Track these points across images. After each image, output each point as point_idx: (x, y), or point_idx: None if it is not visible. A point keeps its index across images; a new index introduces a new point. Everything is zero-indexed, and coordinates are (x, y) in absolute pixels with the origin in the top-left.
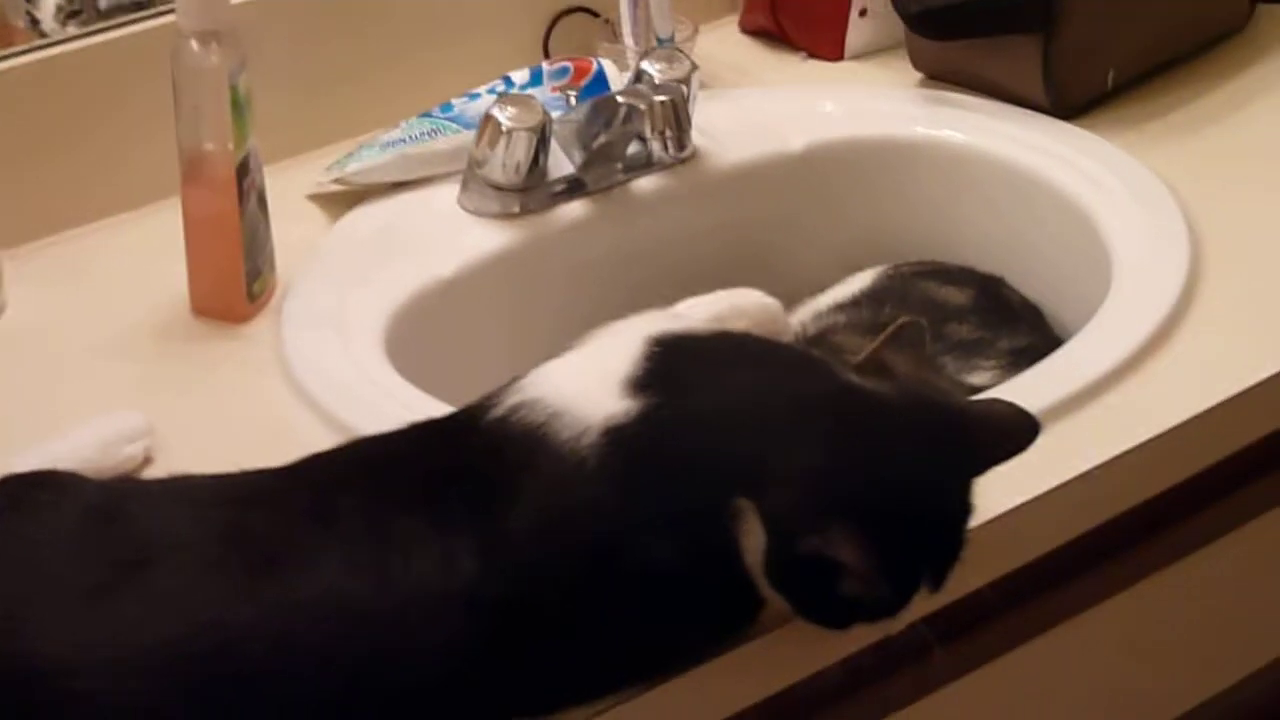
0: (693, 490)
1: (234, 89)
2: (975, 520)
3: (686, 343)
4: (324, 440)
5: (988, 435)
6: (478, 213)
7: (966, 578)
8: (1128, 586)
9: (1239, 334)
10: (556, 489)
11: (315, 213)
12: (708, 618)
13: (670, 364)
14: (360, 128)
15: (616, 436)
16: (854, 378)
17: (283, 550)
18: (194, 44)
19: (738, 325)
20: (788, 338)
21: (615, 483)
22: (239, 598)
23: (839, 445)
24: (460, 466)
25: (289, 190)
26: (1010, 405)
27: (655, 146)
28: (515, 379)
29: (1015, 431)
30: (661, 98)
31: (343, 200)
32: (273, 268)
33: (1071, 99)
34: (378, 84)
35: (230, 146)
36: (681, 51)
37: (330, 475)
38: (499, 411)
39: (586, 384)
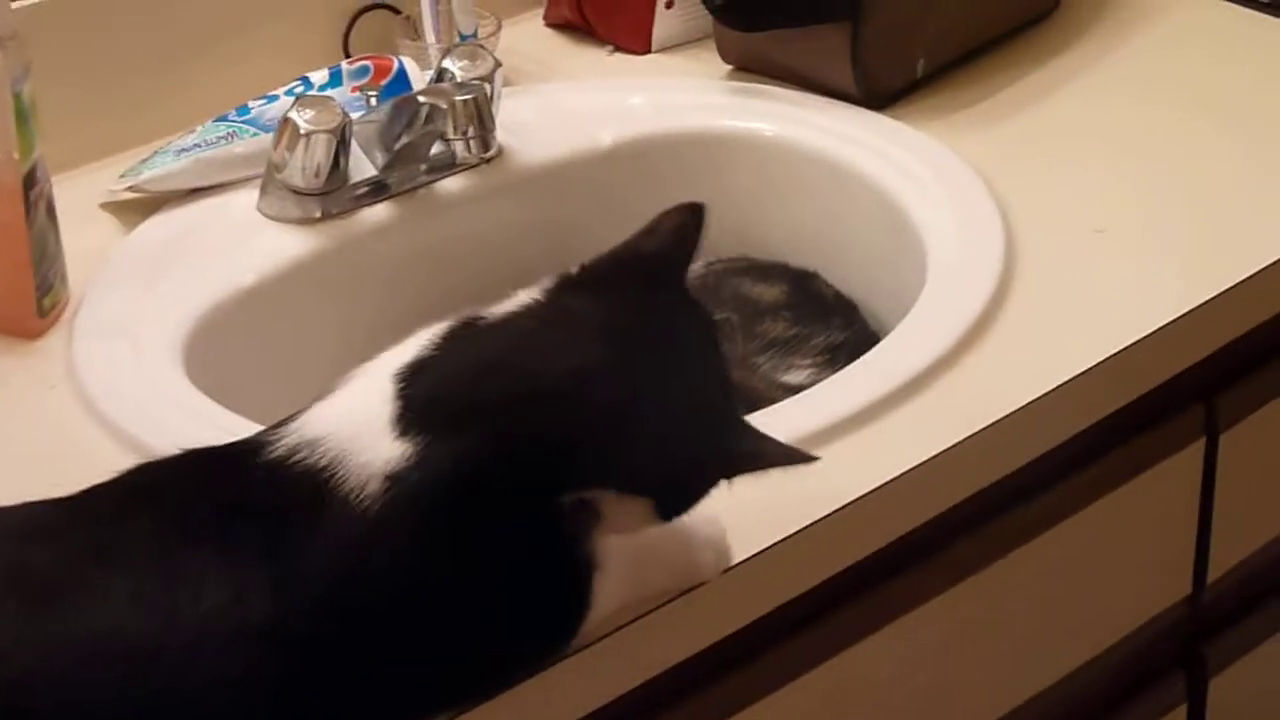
0: (498, 511)
1: (17, 97)
2: (798, 524)
3: (429, 367)
4: (118, 460)
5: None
6: (278, 218)
7: (788, 582)
8: (949, 586)
9: (1056, 325)
10: (348, 534)
11: (109, 222)
12: (527, 637)
13: (425, 395)
14: (155, 132)
15: (397, 481)
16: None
17: (63, 587)
18: None
19: None
20: None
21: (404, 525)
22: (16, 638)
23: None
24: (246, 502)
25: (81, 199)
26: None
27: (459, 147)
28: (291, 417)
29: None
30: (463, 97)
31: (138, 208)
32: (65, 280)
33: (881, 88)
34: (172, 87)
35: (15, 156)
36: (484, 48)
37: (113, 506)
38: (279, 451)
39: (357, 429)
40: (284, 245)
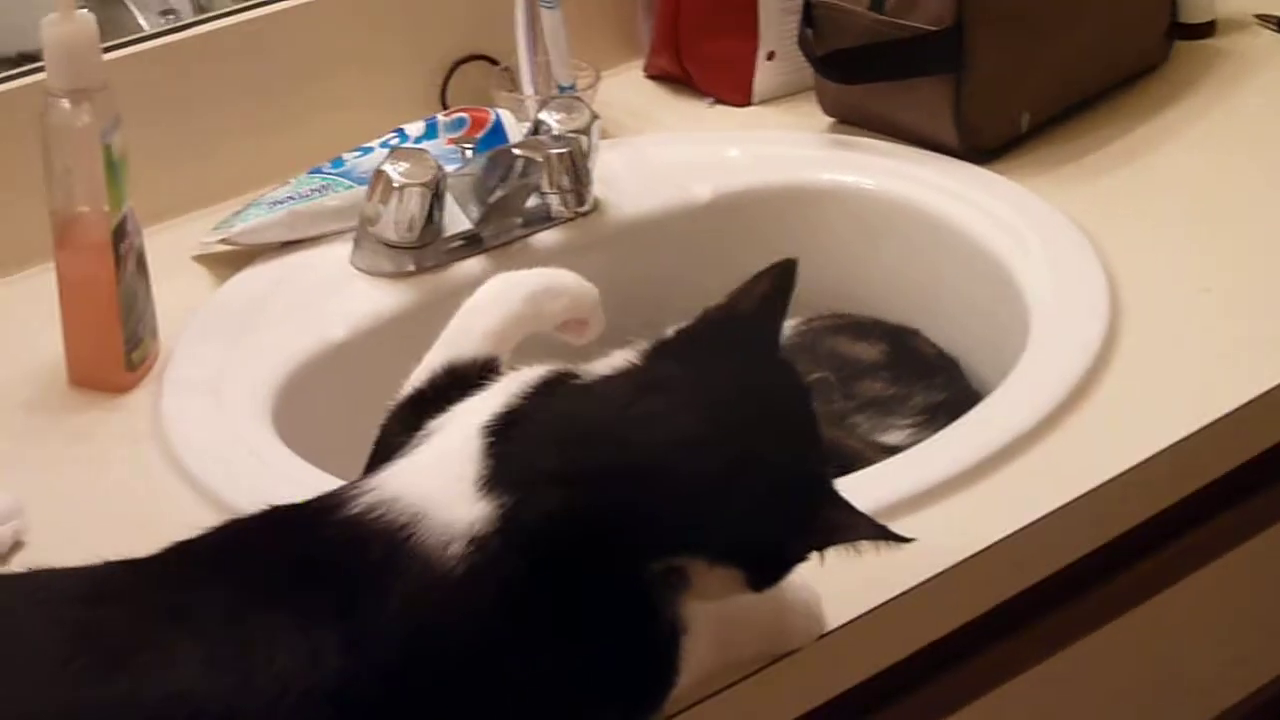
0: (585, 577)
1: (107, 149)
2: (894, 590)
3: (519, 423)
4: (203, 517)
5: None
6: (370, 272)
7: (883, 650)
8: (1051, 654)
9: (1162, 386)
10: (426, 594)
11: (201, 274)
12: (613, 705)
13: (514, 455)
14: (249, 185)
15: (481, 543)
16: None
17: (136, 648)
18: (65, 103)
19: (555, 305)
20: (599, 329)
21: (487, 587)
22: (86, 701)
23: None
24: (322, 560)
25: (173, 252)
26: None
27: (554, 201)
28: (368, 475)
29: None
30: (559, 150)
31: (230, 261)
32: (155, 334)
33: (984, 142)
34: (267, 139)
35: (105, 209)
36: (581, 100)
37: (189, 566)
38: (358, 508)
39: (440, 486)
40: (376, 299)
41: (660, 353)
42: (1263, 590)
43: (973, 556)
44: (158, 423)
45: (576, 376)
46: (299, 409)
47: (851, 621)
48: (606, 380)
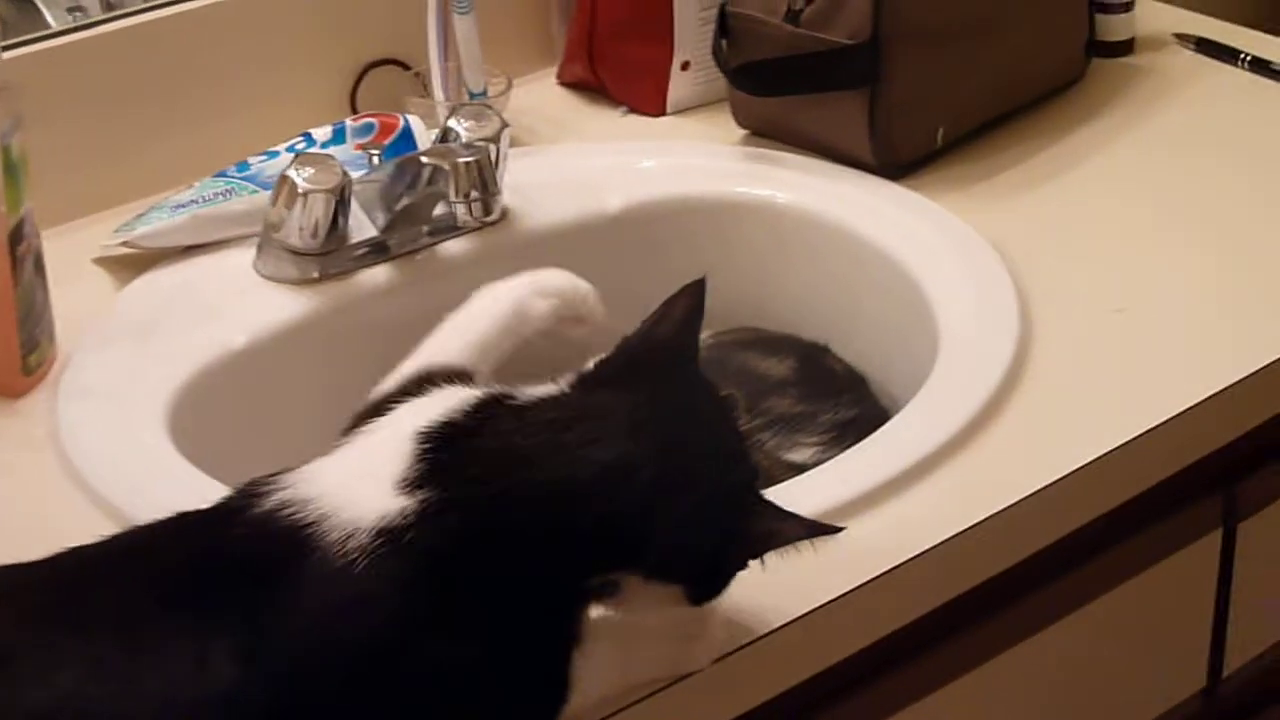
0: (489, 589)
1: (6, 149)
2: (802, 610)
3: (460, 437)
4: (97, 525)
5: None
6: (274, 278)
7: (781, 674)
8: (956, 676)
9: (1071, 407)
10: (325, 591)
11: (102, 278)
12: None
13: (444, 459)
14: (154, 187)
15: (391, 537)
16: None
17: (18, 654)
18: None
19: (542, 307)
20: (598, 319)
21: (392, 584)
22: None
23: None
24: (221, 565)
25: (75, 254)
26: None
27: (460, 210)
28: (282, 472)
29: None
30: (466, 159)
31: (132, 265)
32: (52, 338)
33: (899, 157)
34: (173, 141)
35: (2, 210)
36: (491, 108)
37: (81, 570)
38: (265, 506)
39: (359, 484)
40: (278, 306)
41: (586, 383)
42: (1163, 618)
43: (876, 578)
44: (53, 428)
45: (514, 398)
46: (198, 417)
47: (749, 644)
48: (540, 404)
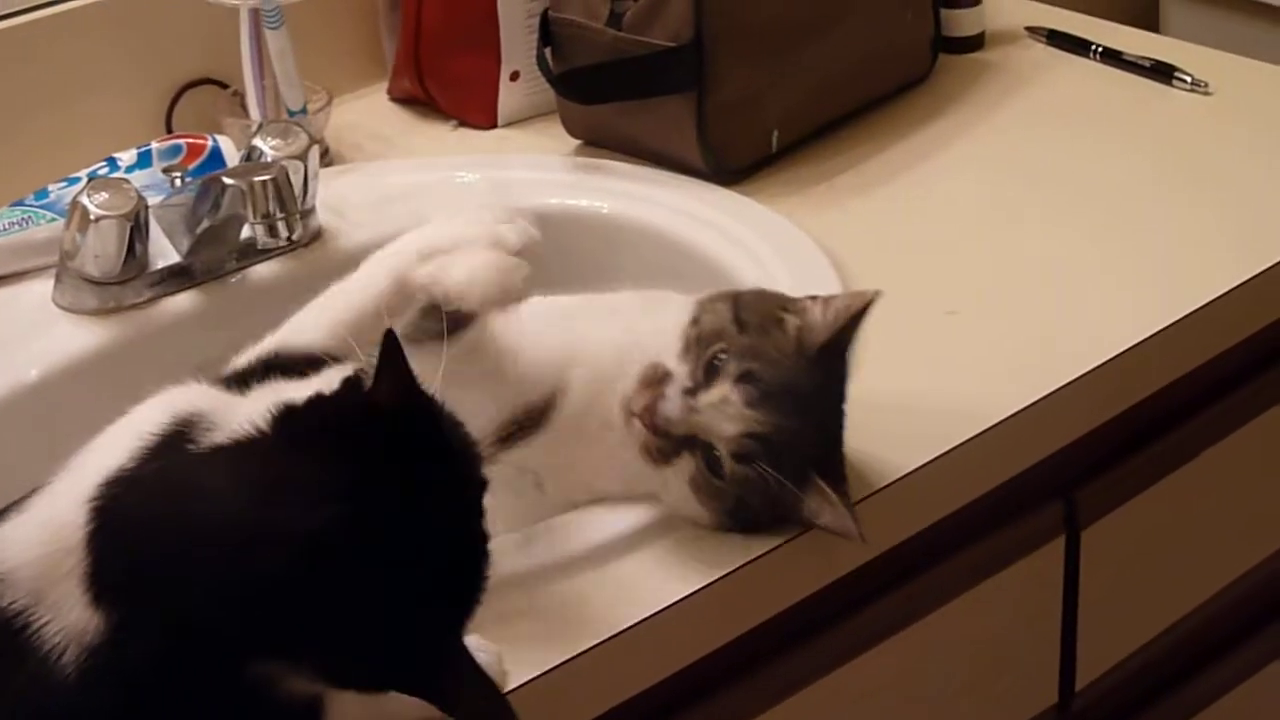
0: (196, 688)
1: None
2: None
3: (123, 494)
4: None
5: None
6: (73, 309)
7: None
8: (786, 697)
9: (901, 412)
10: (43, 700)
11: None
12: None
13: (114, 547)
14: None
15: (94, 654)
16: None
17: None
18: None
19: (425, 271)
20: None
21: (102, 701)
22: None
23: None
24: None
25: None
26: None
27: (259, 230)
28: None
29: None
30: (262, 178)
31: None
32: None
33: (731, 162)
34: None
35: None
36: (299, 125)
37: None
38: None
39: (50, 576)
40: (76, 338)
41: (289, 426)
42: (1010, 631)
43: (684, 600)
44: None
45: (194, 441)
46: None
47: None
48: (227, 455)
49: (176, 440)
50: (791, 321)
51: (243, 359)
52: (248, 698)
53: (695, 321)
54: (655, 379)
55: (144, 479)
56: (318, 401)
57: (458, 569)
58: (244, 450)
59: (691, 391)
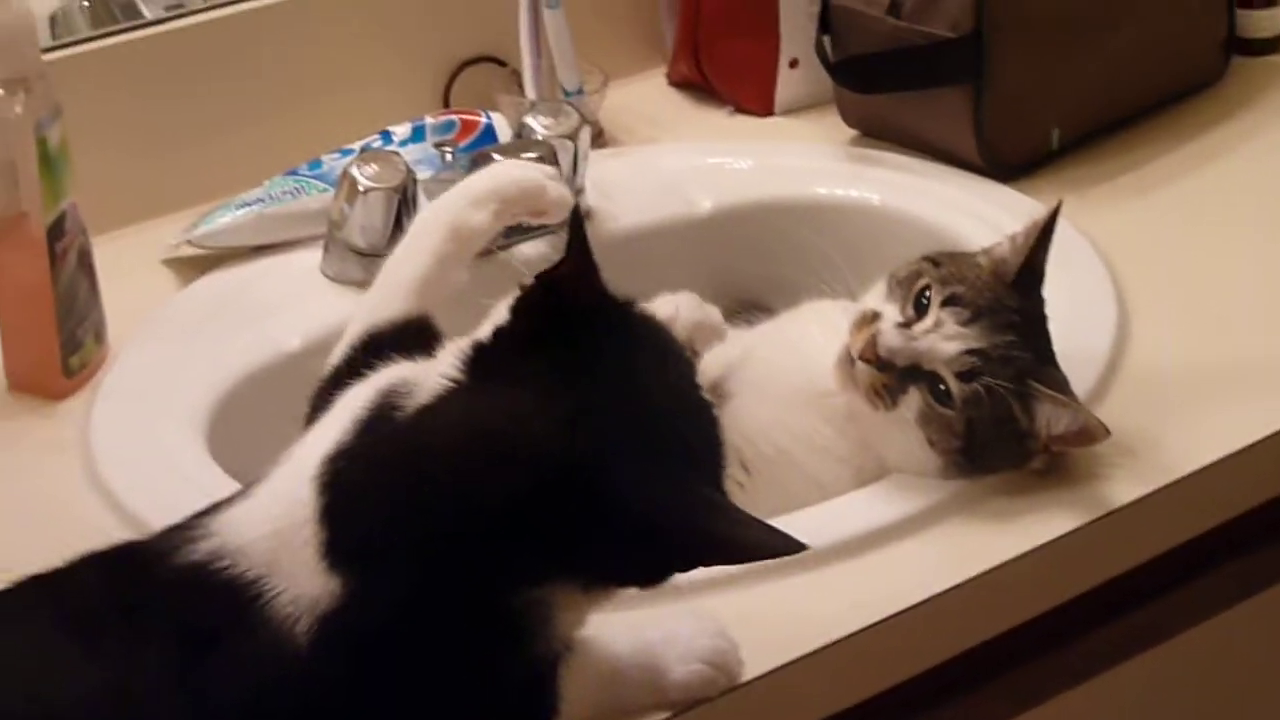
0: (445, 635)
1: (43, 141)
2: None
3: (349, 472)
4: (114, 532)
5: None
6: (339, 279)
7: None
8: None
9: (1163, 423)
10: (277, 670)
11: (169, 279)
12: None
13: (347, 513)
14: (240, 186)
15: (330, 621)
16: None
17: None
18: None
19: (479, 217)
20: (562, 210)
21: (340, 667)
22: None
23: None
24: (153, 607)
25: (144, 255)
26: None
27: None
28: (206, 512)
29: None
30: (529, 155)
31: (200, 265)
32: (101, 338)
33: (1008, 157)
34: (262, 139)
35: (40, 204)
36: (571, 105)
37: None
38: (197, 555)
39: (282, 547)
40: (339, 309)
41: (484, 364)
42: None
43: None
44: (84, 431)
45: (400, 408)
46: (239, 422)
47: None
48: (433, 411)
49: (385, 410)
50: (984, 260)
51: (336, 356)
52: (491, 639)
53: (893, 275)
54: (867, 320)
55: (364, 450)
56: (501, 330)
57: (700, 435)
58: (453, 397)
59: (905, 325)
